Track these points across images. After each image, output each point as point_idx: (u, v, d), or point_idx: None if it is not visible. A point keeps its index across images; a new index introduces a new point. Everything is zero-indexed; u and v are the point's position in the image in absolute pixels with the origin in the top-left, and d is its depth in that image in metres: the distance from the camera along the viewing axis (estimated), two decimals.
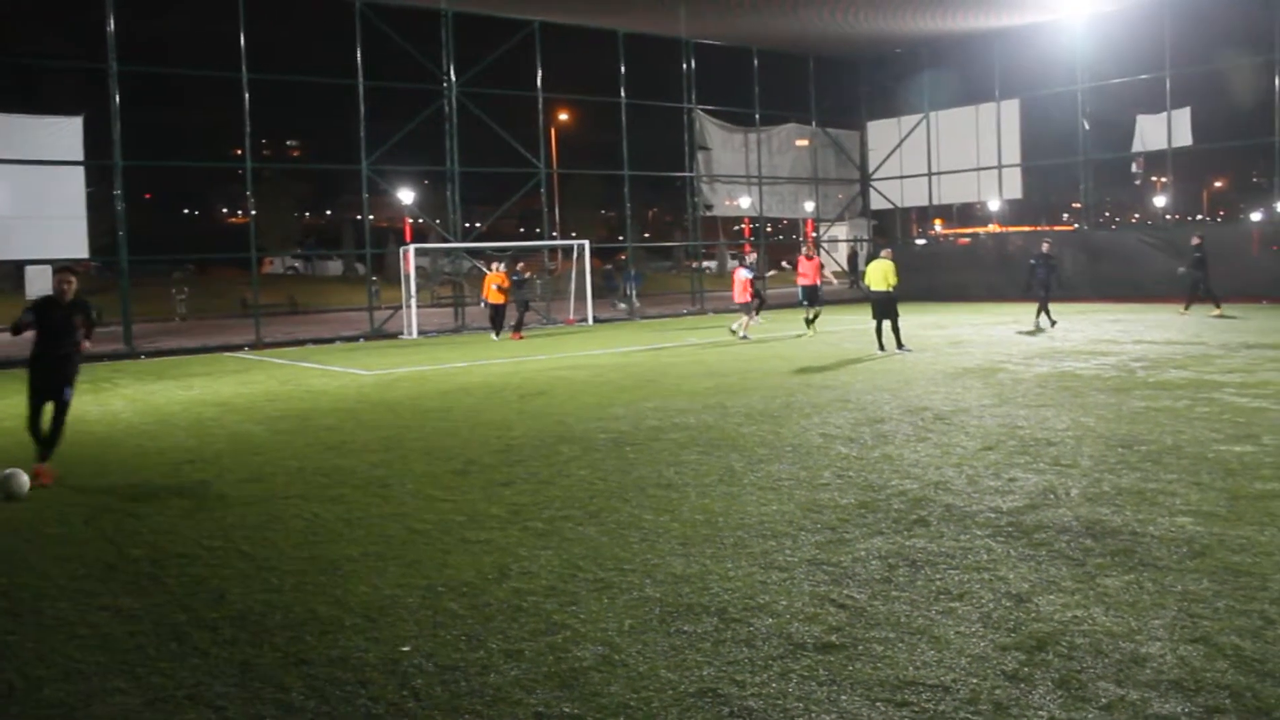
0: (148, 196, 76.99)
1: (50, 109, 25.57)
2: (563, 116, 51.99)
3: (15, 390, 13.51)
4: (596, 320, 32.08)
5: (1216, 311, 25.10)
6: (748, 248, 29.17)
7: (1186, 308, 25.91)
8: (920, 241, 44.96)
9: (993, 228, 58.97)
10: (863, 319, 22.03)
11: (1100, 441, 9.89)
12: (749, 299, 23.71)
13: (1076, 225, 44.08)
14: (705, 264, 59.62)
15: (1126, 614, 5.35)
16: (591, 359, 20.17)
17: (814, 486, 8.47)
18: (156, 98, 56.78)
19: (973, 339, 21.26)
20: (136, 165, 29.51)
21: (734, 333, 23.67)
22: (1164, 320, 24.31)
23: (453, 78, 30.96)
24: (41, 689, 4.99)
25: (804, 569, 6.32)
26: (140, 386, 18.03)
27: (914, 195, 40.59)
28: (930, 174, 39.37)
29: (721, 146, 37.57)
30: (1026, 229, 55.70)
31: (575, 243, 34.03)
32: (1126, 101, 34.97)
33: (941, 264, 38.63)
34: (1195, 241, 26.06)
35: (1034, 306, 23.86)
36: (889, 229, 45.40)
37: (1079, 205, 39.09)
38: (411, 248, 30.81)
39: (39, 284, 23.15)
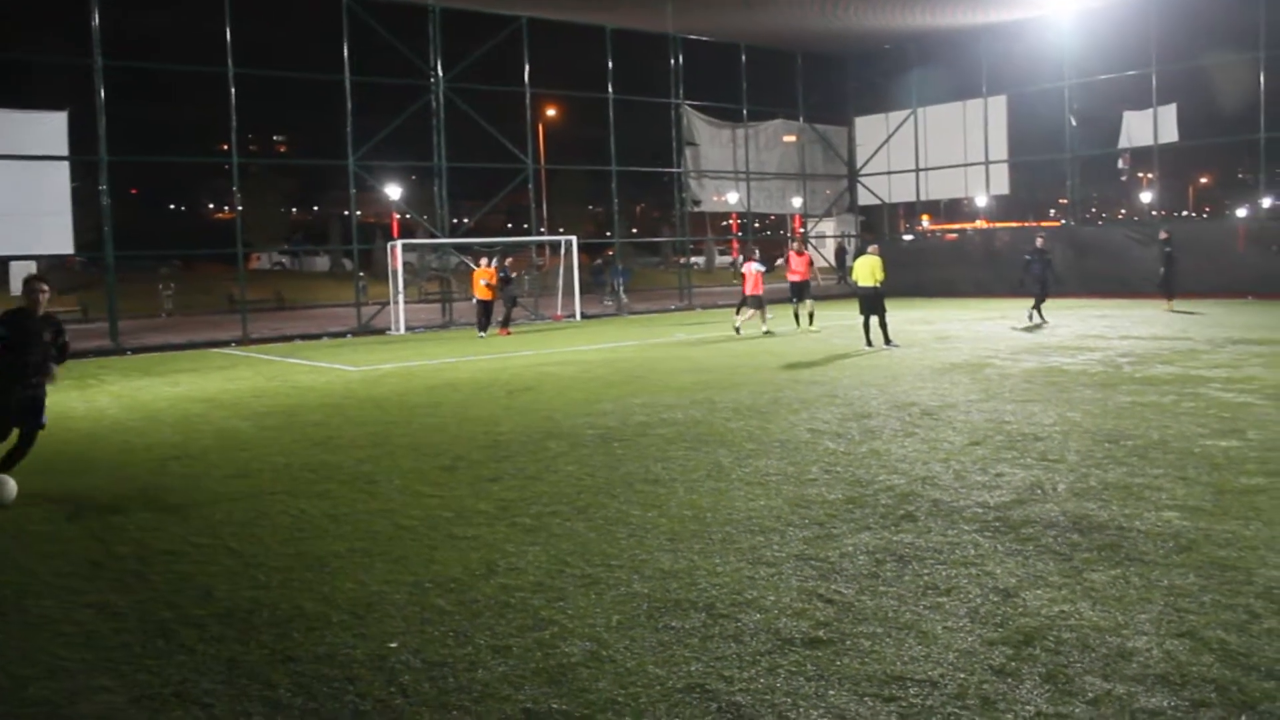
0: (133, 192, 76.64)
1: (35, 104, 25.38)
2: (550, 112, 51.92)
3: None
4: (584, 316, 32.05)
5: (1167, 305, 25.80)
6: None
7: (1170, 301, 26.14)
8: (908, 237, 45.07)
9: (980, 223, 59.15)
10: (850, 315, 22.05)
11: (1087, 436, 9.92)
12: (760, 292, 23.58)
13: (1063, 221, 44.21)
14: (693, 259, 59.65)
15: (1113, 608, 5.36)
16: (579, 355, 20.16)
17: (802, 482, 8.48)
18: (143, 93, 56.61)
19: (960, 334, 21.31)
20: (122, 160, 29.35)
21: (754, 330, 23.59)
22: (1150, 316, 24.39)
23: (440, 73, 30.90)
24: (26, 687, 4.96)
25: (792, 564, 6.32)
26: (126, 383, 17.96)
27: (901, 191, 40.66)
28: (918, 170, 39.44)
29: (709, 142, 37.57)
30: (1014, 225, 55.88)
31: (563, 238, 33.99)
32: (1113, 98, 35.07)
33: (929, 260, 38.70)
34: (1163, 236, 26.30)
35: (1028, 301, 23.92)
36: (876, 225, 45.51)
37: (1066, 201, 39.17)
38: (399, 243, 30.72)
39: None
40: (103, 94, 25.32)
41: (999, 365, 15.77)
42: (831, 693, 4.51)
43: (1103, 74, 34.57)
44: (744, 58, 37.62)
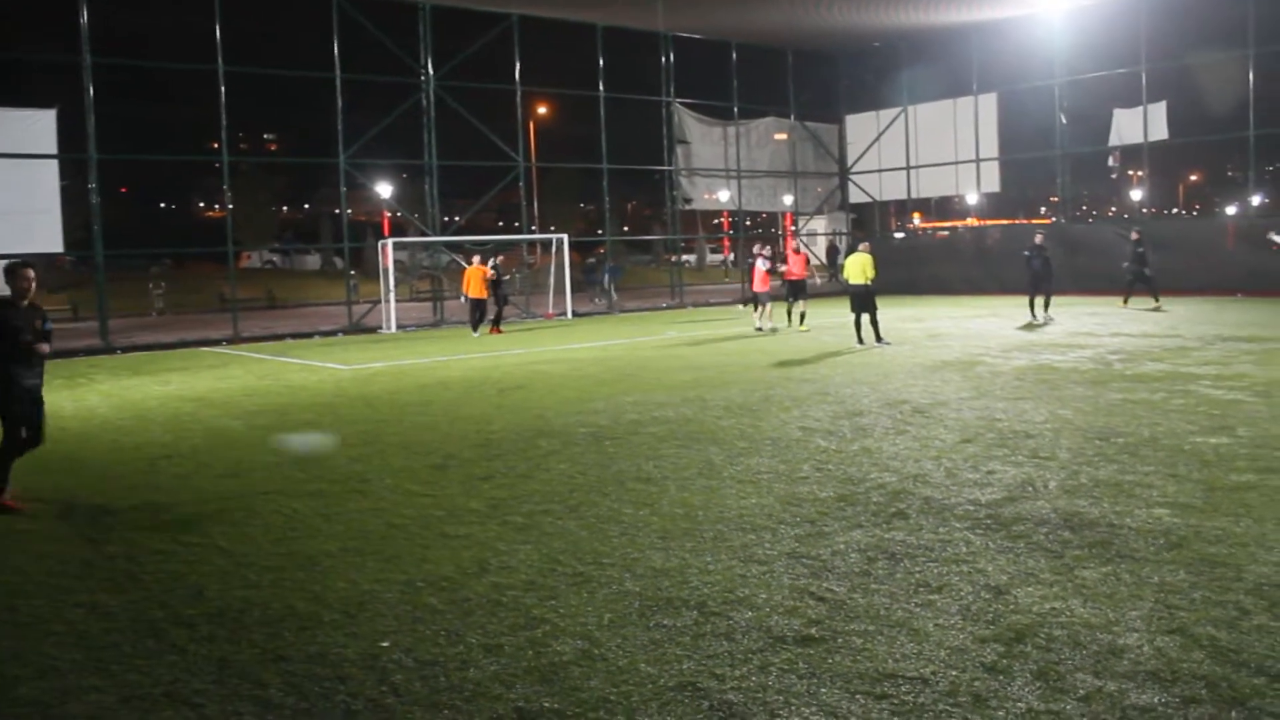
0: (123, 190, 76.41)
1: (24, 101, 25.27)
2: (541, 110, 51.89)
3: None
4: (576, 314, 32.04)
5: (1123, 305, 26.16)
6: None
7: (1156, 301, 26.24)
8: (899, 235, 45.10)
9: (971, 221, 59.23)
10: (841, 313, 22.06)
11: (1078, 434, 9.94)
12: (767, 289, 23.50)
13: (1054, 219, 44.32)
14: (684, 257, 59.65)
15: (1104, 605, 5.38)
16: (571, 353, 20.15)
17: (793, 480, 8.49)
18: (133, 91, 56.45)
19: (951, 332, 21.34)
20: (112, 159, 29.20)
21: (772, 327, 23.48)
22: (1139, 313, 24.45)
23: (431, 71, 30.84)
24: (17, 687, 4.94)
25: (783, 562, 6.33)
26: (116, 382, 17.91)
27: (892, 189, 40.68)
28: (909, 167, 39.48)
29: (700, 140, 37.55)
30: (1004, 222, 55.93)
31: (554, 236, 33.97)
32: (1103, 96, 35.13)
33: (920, 257, 38.75)
34: (1134, 236, 26.43)
35: (1023, 299, 23.98)
36: (867, 222, 45.53)
37: (1056, 199, 39.27)
38: (390, 242, 30.66)
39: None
40: (92, 92, 25.23)
41: (990, 363, 15.80)
42: (823, 690, 4.51)
43: (1093, 72, 34.63)
44: (735, 55, 37.60)
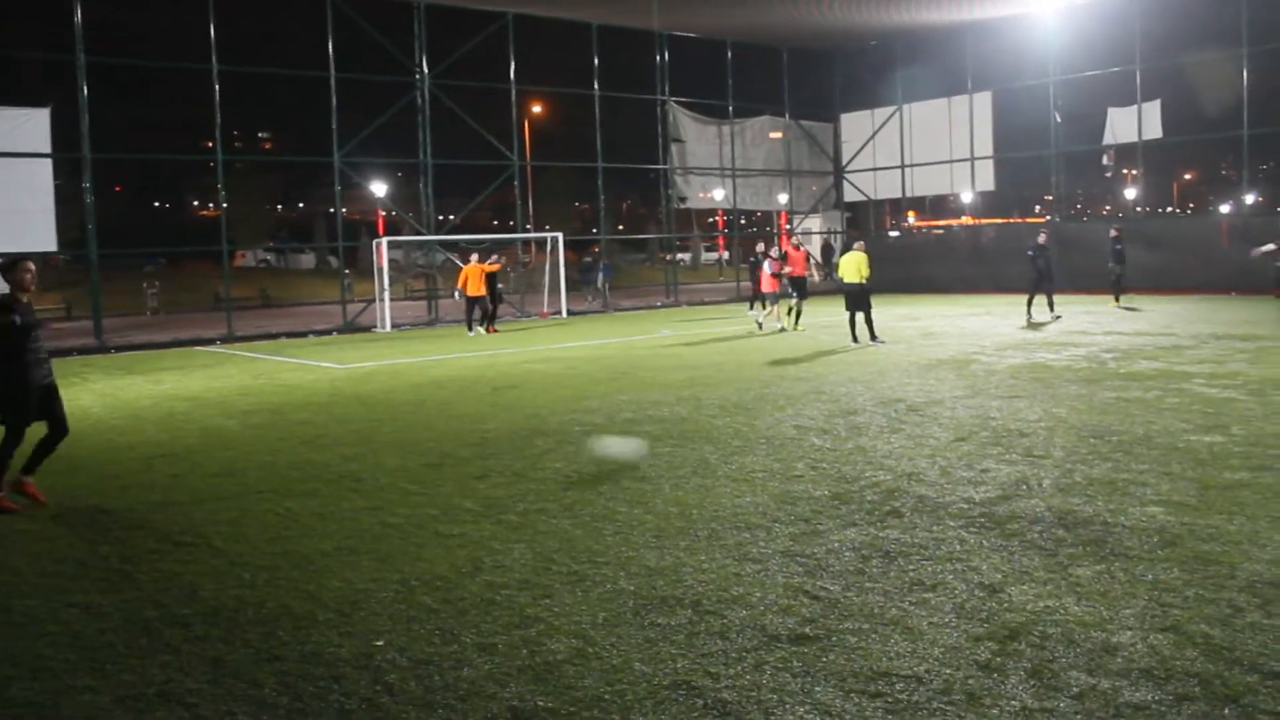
0: (118, 189, 76.32)
1: (17, 100, 25.22)
2: (536, 109, 51.87)
3: None
4: (571, 313, 32.03)
5: (1114, 304, 26.18)
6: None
7: (1117, 300, 26.35)
8: (893, 233, 45.14)
9: (965, 220, 59.29)
10: (836, 311, 22.08)
11: (1072, 432, 9.95)
12: (775, 289, 23.35)
13: (1048, 217, 44.38)
14: (679, 256, 59.66)
15: (1098, 603, 5.38)
16: (566, 352, 20.15)
17: (788, 478, 8.49)
18: (127, 90, 56.33)
19: (946, 331, 21.36)
20: (106, 158, 29.18)
21: (772, 328, 23.33)
22: (1134, 311, 24.48)
23: (425, 69, 30.83)
24: (9, 687, 4.93)
25: (778, 561, 6.33)
26: (110, 381, 17.88)
27: (887, 187, 40.74)
28: (903, 166, 39.53)
29: (695, 139, 37.57)
30: (999, 221, 56.01)
31: (549, 235, 33.96)
32: (1097, 94, 35.19)
33: (915, 256, 38.79)
34: (1114, 234, 26.51)
35: (1017, 297, 23.99)
36: (862, 221, 45.58)
37: (1050, 197, 39.30)
38: (384, 240, 30.66)
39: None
40: (86, 90, 25.18)
41: (985, 361, 15.82)
42: (818, 689, 4.51)
43: (1087, 70, 34.69)
44: (730, 54, 37.63)
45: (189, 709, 4.61)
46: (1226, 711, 4.16)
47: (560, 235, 33.37)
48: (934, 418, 11.04)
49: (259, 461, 10.23)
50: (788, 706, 4.36)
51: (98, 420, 13.49)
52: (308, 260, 66.74)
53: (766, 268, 23.33)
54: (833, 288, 24.46)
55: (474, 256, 26.14)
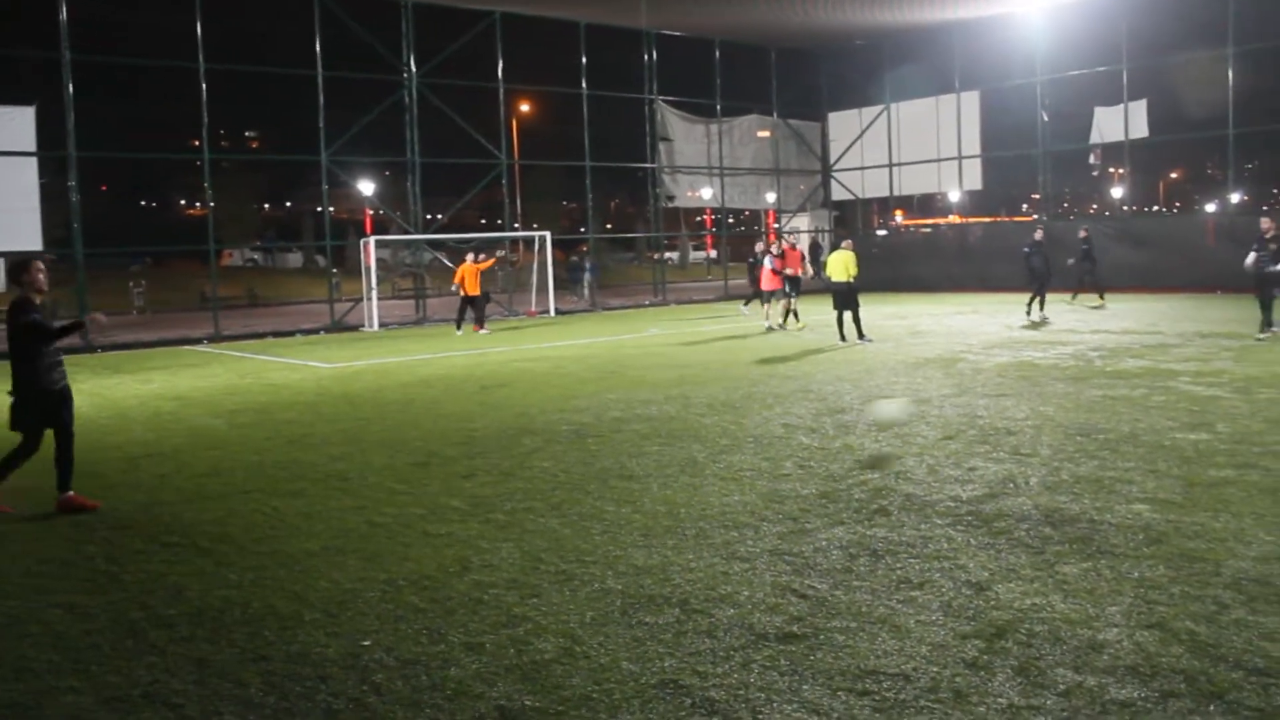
0: (103, 188, 75.96)
1: (1, 98, 25.08)
2: (524, 108, 51.82)
3: None
4: (559, 312, 32.02)
5: (1099, 301, 26.14)
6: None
7: (1074, 298, 26.50)
8: (881, 232, 45.21)
9: (953, 218, 59.45)
10: (824, 310, 22.10)
11: (1059, 430, 9.98)
12: (777, 287, 23.10)
13: (1035, 216, 44.50)
14: (667, 255, 59.67)
15: (1084, 601, 5.40)
16: (554, 351, 20.13)
17: (776, 477, 8.50)
18: (113, 88, 56.06)
19: (933, 329, 21.40)
20: (91, 156, 29.04)
21: (780, 326, 23.07)
22: (1120, 310, 24.57)
23: (413, 68, 30.76)
24: None
25: (766, 559, 6.33)
26: (97, 381, 17.80)
27: (875, 186, 40.79)
28: (891, 165, 39.58)
29: (683, 138, 37.55)
30: (987, 220, 56.17)
31: (537, 234, 33.93)
32: (1084, 94, 35.29)
33: (902, 255, 38.86)
34: (1082, 234, 26.61)
35: (1007, 296, 23.99)
36: (850, 220, 45.62)
37: (1038, 196, 39.38)
38: (372, 239, 30.61)
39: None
40: (71, 88, 25.06)
41: (972, 360, 15.85)
42: (805, 687, 4.52)
43: (1074, 70, 34.78)
44: (718, 53, 37.63)
45: (175, 710, 4.59)
46: (1211, 708, 4.18)
47: (548, 234, 33.32)
48: (921, 416, 11.05)
49: (246, 461, 10.20)
50: (775, 705, 4.36)
51: (84, 420, 13.39)
52: (295, 259, 66.57)
53: (768, 264, 23.14)
54: (820, 286, 24.41)
55: (470, 255, 26.00)
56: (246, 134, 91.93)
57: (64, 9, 24.88)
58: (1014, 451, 9.11)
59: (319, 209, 36.98)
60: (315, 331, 28.01)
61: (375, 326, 28.43)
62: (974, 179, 38.10)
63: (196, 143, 28.59)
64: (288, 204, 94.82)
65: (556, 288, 32.95)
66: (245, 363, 20.30)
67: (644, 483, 8.47)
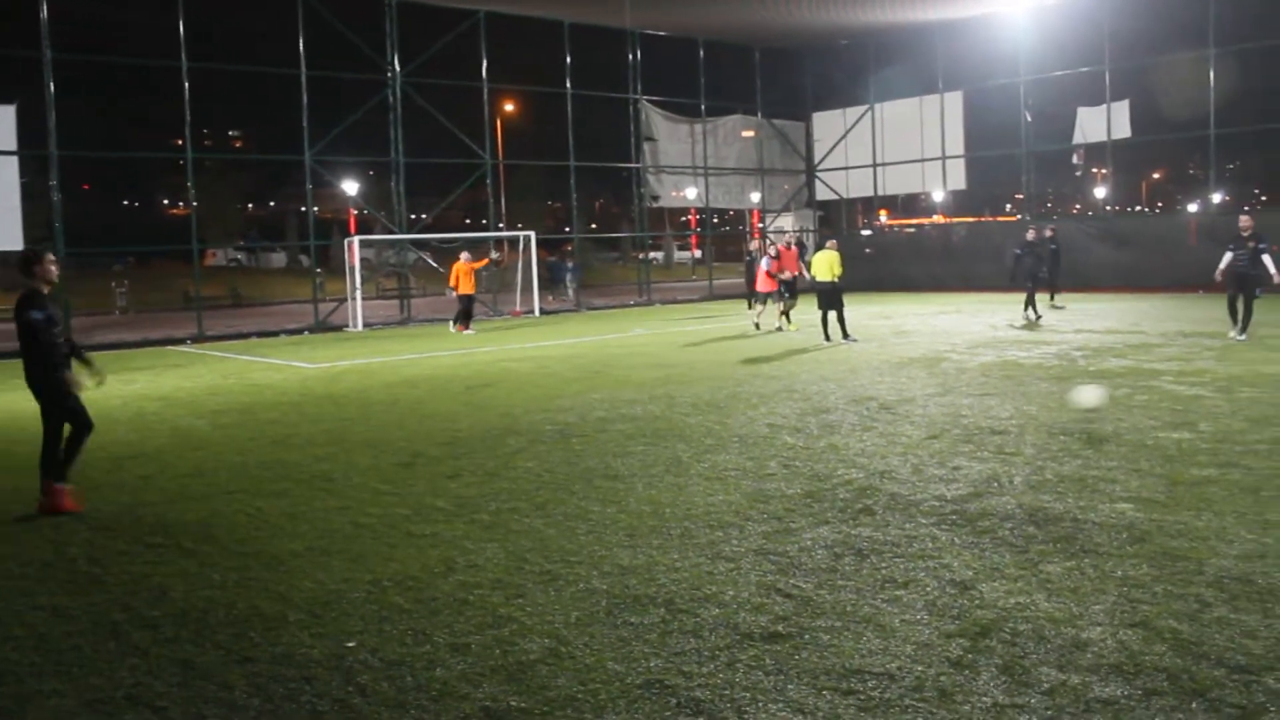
0: (85, 187, 75.61)
1: None
2: (508, 107, 51.75)
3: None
4: (544, 312, 31.98)
5: (1050, 302, 26.07)
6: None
7: (1052, 299, 26.35)
8: (866, 232, 45.31)
9: (937, 218, 59.62)
10: (808, 310, 22.14)
11: (1043, 429, 10.02)
12: (774, 289, 22.94)
13: (1019, 216, 44.67)
14: (652, 255, 59.67)
15: (1068, 600, 5.42)
16: (538, 351, 20.11)
17: (760, 476, 8.50)
18: (95, 87, 55.81)
19: (918, 329, 21.46)
20: (73, 155, 28.88)
21: (775, 327, 22.84)
22: (1103, 309, 24.69)
23: (397, 67, 30.69)
24: None
25: (751, 559, 6.33)
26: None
27: (859, 186, 40.88)
28: (875, 165, 39.69)
29: (668, 137, 37.57)
30: (970, 219, 56.35)
31: (521, 234, 33.90)
32: (1067, 94, 35.46)
33: (887, 255, 38.97)
34: (1049, 233, 26.58)
35: (997, 296, 24.00)
36: (834, 220, 45.72)
37: (1021, 196, 39.54)
38: (356, 239, 30.52)
39: None
40: (52, 87, 24.91)
41: (956, 359, 15.90)
42: (790, 687, 4.52)
43: (1057, 70, 34.95)
44: (702, 53, 37.66)
45: (158, 712, 4.56)
46: (1194, 705, 4.20)
47: (533, 234, 33.31)
48: (906, 415, 11.08)
49: (229, 462, 10.16)
50: (760, 705, 4.37)
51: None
52: (279, 259, 66.38)
53: (764, 265, 23.03)
54: (806, 286, 24.40)
55: (464, 254, 25.91)
56: (230, 133, 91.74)
57: (44, 7, 24.73)
58: (998, 451, 9.14)
59: (303, 208, 36.88)
60: (299, 332, 27.92)
61: (359, 326, 28.36)
62: (958, 179, 38.23)
63: (180, 142, 28.48)
64: (271, 203, 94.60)
65: (541, 287, 32.90)
66: (229, 363, 20.22)
67: (629, 483, 8.47)
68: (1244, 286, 17.03)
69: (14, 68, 26.74)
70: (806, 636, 5.06)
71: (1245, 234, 17.09)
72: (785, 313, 23.13)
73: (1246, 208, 45.83)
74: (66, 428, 8.46)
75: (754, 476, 8.51)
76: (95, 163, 70.15)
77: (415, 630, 5.38)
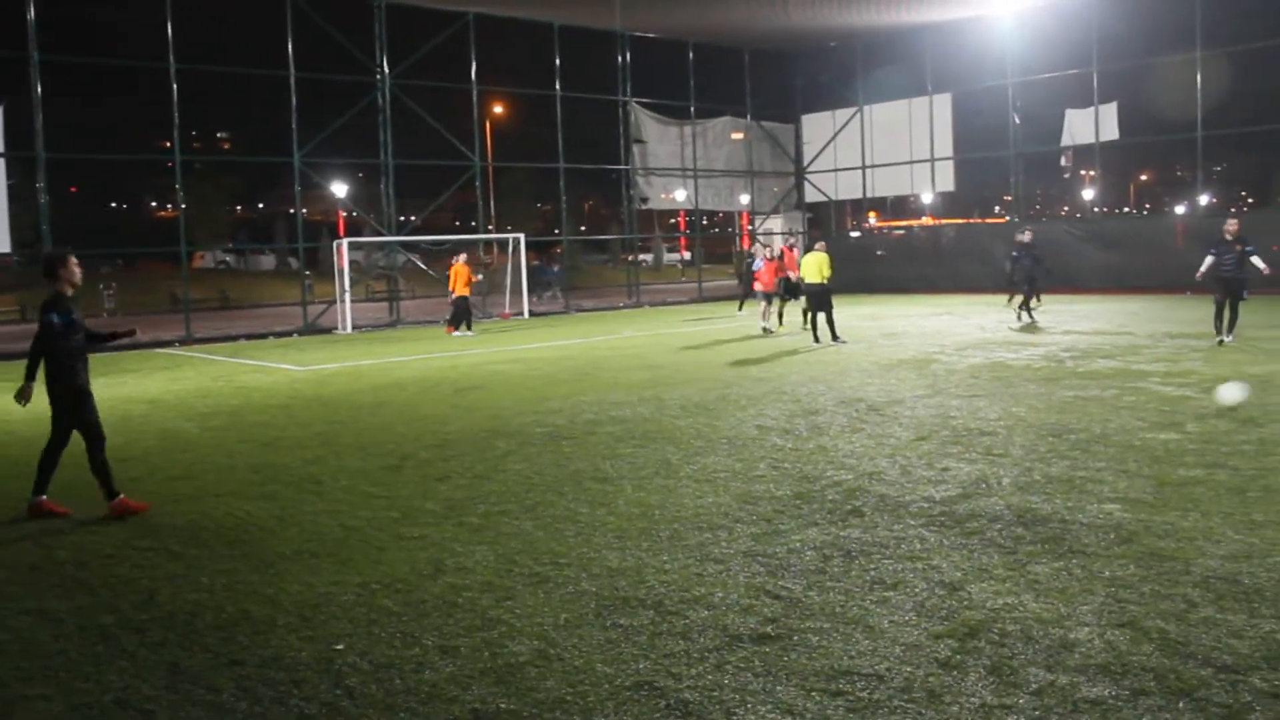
0: (73, 190, 75.34)
1: None
2: (498, 109, 51.74)
3: None
4: (533, 314, 31.96)
5: (1010, 303, 25.63)
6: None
7: (1038, 300, 26.23)
8: (854, 234, 45.38)
9: (926, 220, 59.75)
10: (797, 312, 22.15)
11: (1031, 431, 10.04)
12: (771, 290, 22.81)
13: (1008, 218, 44.81)
14: (641, 257, 59.69)
15: (1056, 600, 5.43)
16: (527, 353, 20.10)
17: (750, 478, 8.51)
18: (82, 88, 55.65)
19: (907, 330, 21.50)
20: (61, 157, 28.78)
21: (764, 330, 22.52)
22: (1091, 310, 24.77)
23: (386, 69, 30.65)
24: None
25: (740, 561, 6.34)
26: None
27: (848, 188, 40.94)
28: (864, 167, 39.74)
29: (657, 139, 37.59)
30: (959, 221, 56.48)
31: (510, 236, 33.87)
32: (1055, 96, 35.57)
33: (875, 256, 39.02)
34: (1026, 237, 26.39)
35: (987, 297, 23.97)
36: (824, 222, 45.78)
37: (1010, 198, 39.64)
38: (345, 241, 30.43)
39: None
40: (40, 88, 24.83)
41: (945, 361, 15.93)
42: (779, 688, 4.53)
43: (1045, 73, 35.04)
44: (691, 55, 37.69)
45: (146, 716, 4.55)
46: (1181, 705, 4.22)
47: (522, 236, 33.30)
48: (895, 417, 11.10)
49: (217, 464, 10.13)
50: (750, 706, 4.37)
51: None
52: (267, 261, 66.22)
53: (757, 266, 22.90)
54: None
55: (464, 256, 25.77)
56: (218, 135, 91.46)
57: (31, 8, 24.64)
58: (987, 452, 9.16)
59: (292, 211, 36.79)
60: (288, 334, 27.85)
61: (349, 329, 28.30)
62: (946, 181, 38.31)
63: (168, 144, 28.42)
64: (260, 206, 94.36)
65: (530, 290, 32.88)
66: (217, 365, 20.17)
67: (618, 485, 8.47)
68: (1232, 291, 16.99)
69: (0, 69, 26.63)
70: (795, 638, 5.07)
71: (1230, 237, 17.07)
72: (779, 313, 23.12)
73: (1234, 210, 46.03)
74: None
75: (743, 478, 8.52)
76: (83, 164, 69.87)
77: (404, 633, 5.37)
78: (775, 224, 43.37)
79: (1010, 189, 38.03)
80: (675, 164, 38.26)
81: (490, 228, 44.94)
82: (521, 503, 8.00)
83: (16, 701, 4.77)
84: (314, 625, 5.54)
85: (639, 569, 6.25)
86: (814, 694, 4.46)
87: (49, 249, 8.07)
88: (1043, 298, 26.60)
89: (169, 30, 26.69)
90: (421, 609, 5.72)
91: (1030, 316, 22.38)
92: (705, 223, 61.33)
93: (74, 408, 8.33)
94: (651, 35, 36.61)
